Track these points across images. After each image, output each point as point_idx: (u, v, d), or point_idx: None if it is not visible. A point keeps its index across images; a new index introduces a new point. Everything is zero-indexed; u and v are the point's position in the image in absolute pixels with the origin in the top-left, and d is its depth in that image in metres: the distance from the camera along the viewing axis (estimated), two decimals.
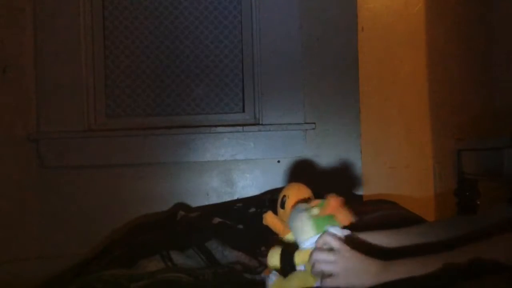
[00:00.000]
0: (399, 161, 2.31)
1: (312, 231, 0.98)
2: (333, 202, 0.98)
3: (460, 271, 0.80)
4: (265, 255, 1.04)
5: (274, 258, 1.00)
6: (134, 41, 2.19)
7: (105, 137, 2.09)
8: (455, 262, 0.84)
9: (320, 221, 0.98)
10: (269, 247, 1.04)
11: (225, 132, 2.11)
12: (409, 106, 2.33)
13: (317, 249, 0.95)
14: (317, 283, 0.94)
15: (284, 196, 1.07)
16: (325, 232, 0.96)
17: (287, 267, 0.98)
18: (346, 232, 0.98)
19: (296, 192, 1.08)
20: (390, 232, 1.10)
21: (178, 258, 1.27)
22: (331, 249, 0.94)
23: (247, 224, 1.55)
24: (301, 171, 2.12)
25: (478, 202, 1.90)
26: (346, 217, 0.99)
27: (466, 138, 2.17)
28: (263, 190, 2.07)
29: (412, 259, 0.91)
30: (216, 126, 2.12)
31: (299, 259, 0.99)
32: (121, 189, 2.08)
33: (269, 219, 1.07)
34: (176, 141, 2.10)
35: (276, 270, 1.01)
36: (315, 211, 0.99)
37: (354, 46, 2.16)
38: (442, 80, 2.32)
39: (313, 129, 2.12)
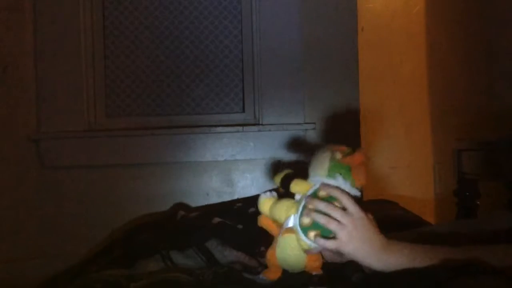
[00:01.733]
0: (399, 161, 2.31)
1: (324, 171, 0.93)
2: (357, 156, 0.92)
3: (457, 269, 0.79)
4: (264, 255, 1.04)
5: (278, 176, 1.01)
6: (134, 41, 2.19)
7: (105, 137, 2.09)
8: (456, 258, 0.83)
9: (336, 167, 0.92)
10: (267, 247, 1.03)
11: (225, 132, 2.11)
12: (409, 106, 2.33)
13: (330, 203, 0.87)
14: (307, 240, 0.87)
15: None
16: (335, 187, 0.89)
17: (284, 188, 0.96)
18: (357, 192, 0.91)
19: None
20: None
21: (178, 258, 1.27)
22: (343, 208, 0.86)
23: (247, 224, 1.54)
24: (301, 171, 2.12)
25: (478, 202, 1.89)
26: (362, 176, 0.91)
27: (466, 138, 2.17)
28: (263, 190, 2.07)
29: (416, 244, 0.86)
30: (216, 126, 2.12)
31: (296, 188, 0.98)
32: (121, 189, 2.08)
33: (264, 220, 1.07)
34: (176, 141, 2.10)
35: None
36: (338, 155, 0.94)
37: (354, 46, 2.16)
38: (442, 80, 2.32)
39: (313, 129, 2.12)
